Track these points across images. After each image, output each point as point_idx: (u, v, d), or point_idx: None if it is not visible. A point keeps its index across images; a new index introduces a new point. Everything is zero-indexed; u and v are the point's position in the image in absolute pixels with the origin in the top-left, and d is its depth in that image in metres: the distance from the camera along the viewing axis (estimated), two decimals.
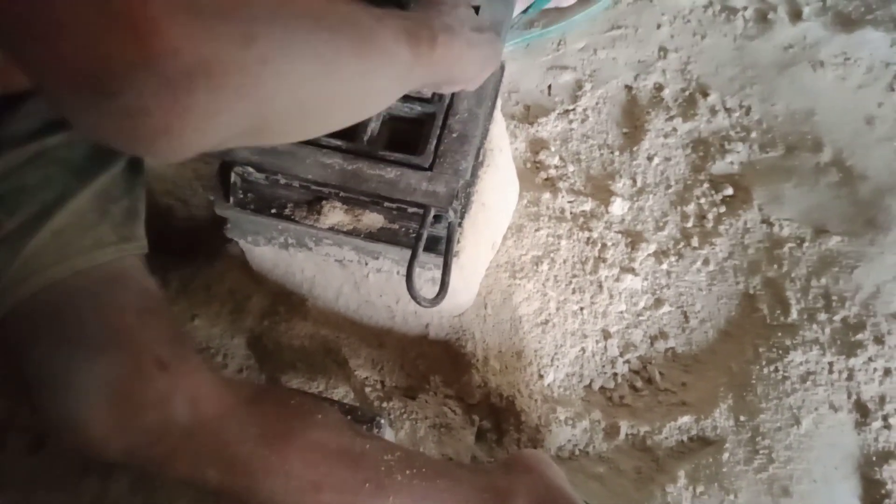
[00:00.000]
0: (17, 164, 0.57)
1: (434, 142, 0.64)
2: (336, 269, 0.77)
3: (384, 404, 0.82)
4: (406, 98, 0.66)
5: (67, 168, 0.59)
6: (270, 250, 0.76)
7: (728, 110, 1.02)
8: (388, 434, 0.77)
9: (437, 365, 0.85)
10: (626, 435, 0.80)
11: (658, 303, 0.89)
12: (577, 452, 0.80)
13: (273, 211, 0.68)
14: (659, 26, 1.09)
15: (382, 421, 0.76)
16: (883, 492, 0.75)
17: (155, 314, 0.53)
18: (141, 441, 0.45)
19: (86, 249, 0.57)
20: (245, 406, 0.54)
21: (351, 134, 0.64)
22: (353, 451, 0.60)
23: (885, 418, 0.80)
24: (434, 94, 0.65)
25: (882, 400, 0.81)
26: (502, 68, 0.73)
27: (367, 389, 0.83)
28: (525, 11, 1.02)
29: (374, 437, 0.72)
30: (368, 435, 0.71)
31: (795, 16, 1.08)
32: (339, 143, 0.63)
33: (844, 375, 0.82)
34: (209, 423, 0.49)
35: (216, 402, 0.50)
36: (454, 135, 0.64)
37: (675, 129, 1.00)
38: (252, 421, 0.53)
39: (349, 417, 0.72)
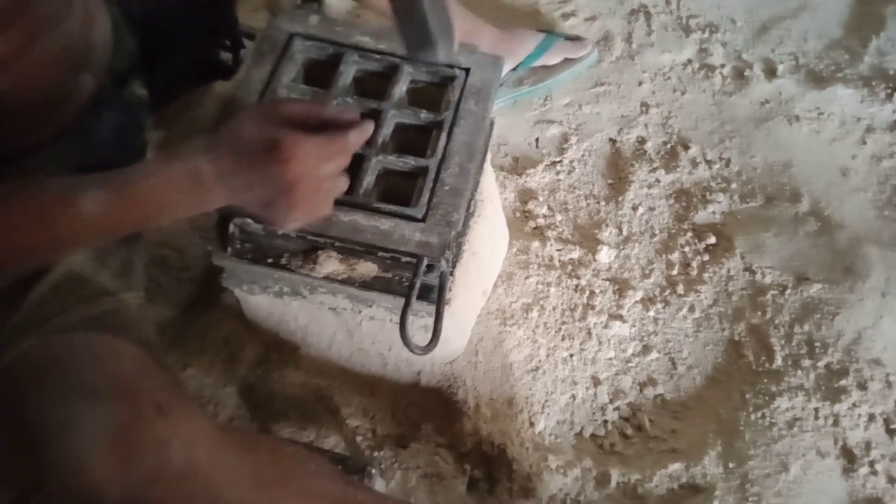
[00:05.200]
0: None
1: (427, 194, 0.66)
2: (330, 316, 0.78)
3: (375, 453, 0.82)
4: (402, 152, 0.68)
5: None
6: (265, 299, 0.77)
7: (708, 162, 1.05)
8: (379, 484, 0.77)
9: (429, 413, 0.85)
10: (618, 483, 0.80)
11: (646, 349, 0.90)
12: (568, 502, 0.80)
13: (270, 260, 0.69)
14: (640, 83, 1.13)
15: (373, 471, 0.76)
16: None
17: (152, 361, 0.54)
18: (139, 482, 0.46)
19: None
20: (240, 452, 0.54)
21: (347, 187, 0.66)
22: (347, 500, 0.60)
23: (871, 464, 0.81)
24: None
25: (868, 446, 0.82)
26: (492, 124, 0.77)
27: (359, 438, 0.83)
28: (514, 70, 1.07)
29: (367, 488, 0.72)
30: (361, 486, 0.71)
31: (770, 73, 1.14)
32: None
33: (830, 421, 0.84)
34: (205, 467, 0.49)
35: (211, 448, 0.51)
36: (446, 188, 0.66)
37: (658, 181, 1.03)
38: (247, 467, 0.54)
39: (339, 467, 0.72)
